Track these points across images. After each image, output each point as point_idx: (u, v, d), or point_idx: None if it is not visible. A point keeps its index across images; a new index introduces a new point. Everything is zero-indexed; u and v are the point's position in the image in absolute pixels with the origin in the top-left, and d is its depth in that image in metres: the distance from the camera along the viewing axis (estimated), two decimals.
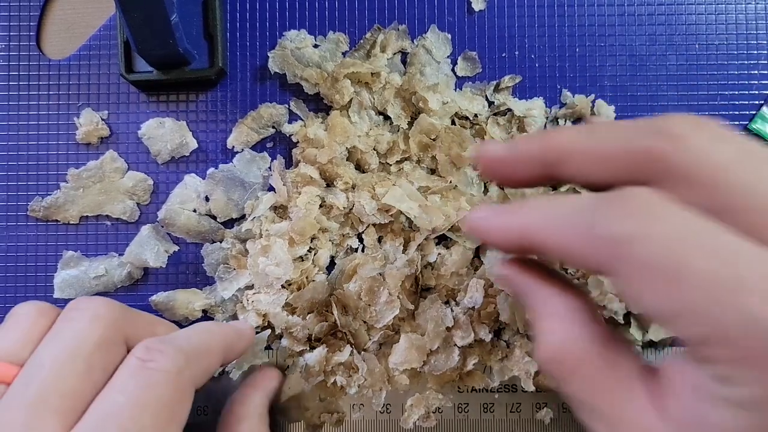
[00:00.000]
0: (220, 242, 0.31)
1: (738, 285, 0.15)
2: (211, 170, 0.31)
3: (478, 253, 0.31)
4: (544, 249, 0.19)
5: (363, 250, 0.31)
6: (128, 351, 0.22)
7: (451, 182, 0.30)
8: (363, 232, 0.31)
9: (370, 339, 0.30)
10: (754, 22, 0.32)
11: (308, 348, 0.30)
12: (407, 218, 0.30)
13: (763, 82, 0.32)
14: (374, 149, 0.31)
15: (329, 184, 0.31)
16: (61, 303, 0.31)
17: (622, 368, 0.19)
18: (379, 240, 0.31)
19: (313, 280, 0.30)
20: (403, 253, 0.30)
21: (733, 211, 0.16)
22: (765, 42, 0.32)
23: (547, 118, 0.31)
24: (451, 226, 0.30)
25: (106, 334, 0.22)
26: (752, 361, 0.15)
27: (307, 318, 0.30)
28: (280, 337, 0.31)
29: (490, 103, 0.32)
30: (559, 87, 0.32)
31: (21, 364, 0.21)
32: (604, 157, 0.18)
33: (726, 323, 0.15)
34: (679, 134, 0.17)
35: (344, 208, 0.30)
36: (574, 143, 0.19)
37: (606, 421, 0.18)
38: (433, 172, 0.31)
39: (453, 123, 0.31)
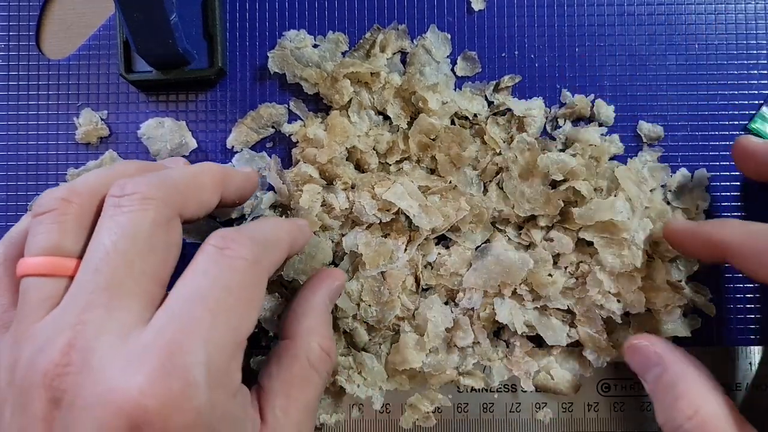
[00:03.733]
0: None
1: None
2: None
3: None
4: (735, 255, 0.24)
5: None
6: (182, 222, 0.22)
7: (450, 182, 0.30)
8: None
9: (370, 339, 0.30)
10: (753, 22, 0.32)
11: None
12: (407, 218, 0.30)
13: (763, 82, 0.32)
14: (374, 149, 0.31)
15: (329, 183, 0.31)
16: None
17: None
18: None
19: None
20: (404, 252, 0.30)
21: None
22: (765, 42, 0.32)
23: (546, 117, 0.31)
24: (451, 227, 0.30)
25: (159, 213, 0.21)
26: None
27: None
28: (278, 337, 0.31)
29: (490, 103, 0.32)
30: (558, 87, 0.32)
31: (74, 256, 0.21)
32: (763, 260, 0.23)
33: None
34: None
35: (345, 209, 0.30)
36: (741, 242, 0.24)
37: None
38: (432, 172, 0.31)
39: (452, 123, 0.31)
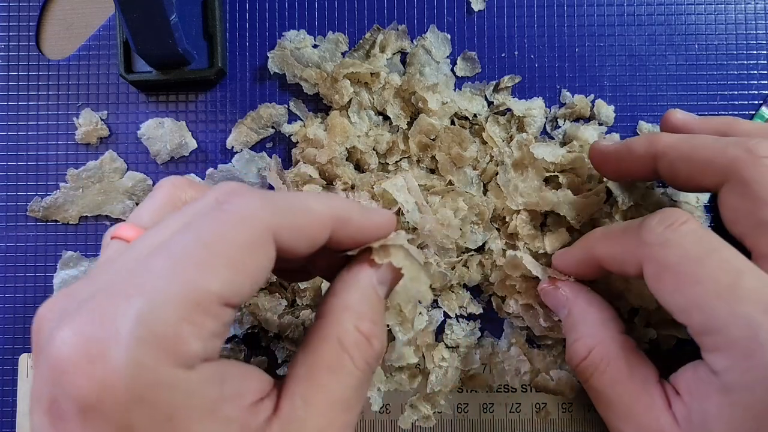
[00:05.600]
0: None
1: (735, 290, 0.20)
2: (210, 170, 0.31)
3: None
4: (601, 259, 0.25)
5: None
6: (277, 249, 0.19)
7: (450, 182, 0.30)
8: None
9: None
10: (753, 22, 0.32)
11: None
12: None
13: (763, 82, 0.32)
14: (374, 149, 0.31)
15: (329, 184, 0.31)
16: None
17: (643, 374, 0.24)
18: None
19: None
20: None
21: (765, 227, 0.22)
22: (764, 42, 0.32)
23: (546, 118, 0.31)
24: None
25: (251, 238, 0.18)
26: (739, 349, 0.20)
27: (301, 315, 0.30)
28: (279, 337, 0.31)
29: (490, 103, 0.32)
30: (558, 87, 0.32)
31: (143, 228, 0.21)
32: (695, 160, 0.24)
33: (723, 317, 0.20)
34: (760, 155, 0.22)
35: None
36: (675, 145, 0.25)
37: (625, 418, 0.24)
38: (432, 172, 0.31)
39: (452, 123, 0.31)
